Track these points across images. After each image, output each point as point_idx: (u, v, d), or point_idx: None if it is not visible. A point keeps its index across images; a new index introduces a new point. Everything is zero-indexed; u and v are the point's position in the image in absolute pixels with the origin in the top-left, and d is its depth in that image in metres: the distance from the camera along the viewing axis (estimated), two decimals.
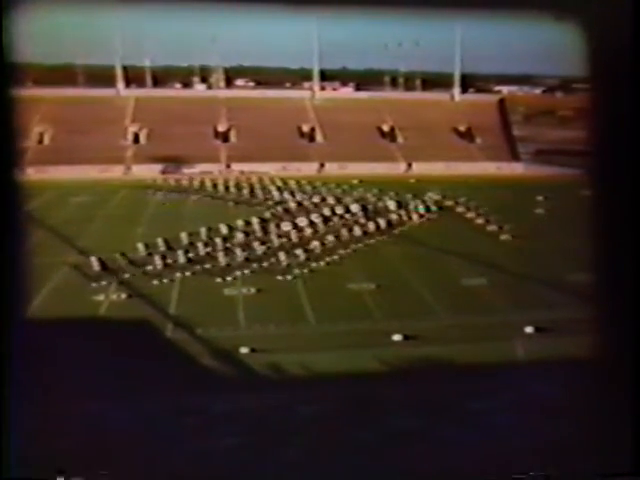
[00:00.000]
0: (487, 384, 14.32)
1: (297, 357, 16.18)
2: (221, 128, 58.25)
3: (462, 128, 60.40)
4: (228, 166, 52.48)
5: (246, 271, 23.57)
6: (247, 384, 15.19)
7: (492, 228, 31.38)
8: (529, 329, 17.97)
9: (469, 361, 16.01)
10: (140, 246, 25.31)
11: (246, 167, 50.44)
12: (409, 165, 54.66)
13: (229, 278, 22.80)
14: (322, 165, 53.64)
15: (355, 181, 44.22)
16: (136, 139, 56.19)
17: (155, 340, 17.41)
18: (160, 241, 25.90)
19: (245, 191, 41.06)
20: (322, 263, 24.97)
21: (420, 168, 53.01)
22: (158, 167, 50.87)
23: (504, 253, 27.45)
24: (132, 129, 56.59)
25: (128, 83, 63.99)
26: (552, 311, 19.58)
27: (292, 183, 43.13)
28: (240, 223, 29.83)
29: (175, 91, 73.85)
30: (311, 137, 59.02)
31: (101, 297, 20.81)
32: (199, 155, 51.81)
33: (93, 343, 15.33)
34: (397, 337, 17.59)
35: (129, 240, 27.23)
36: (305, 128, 59.41)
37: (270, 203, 36.98)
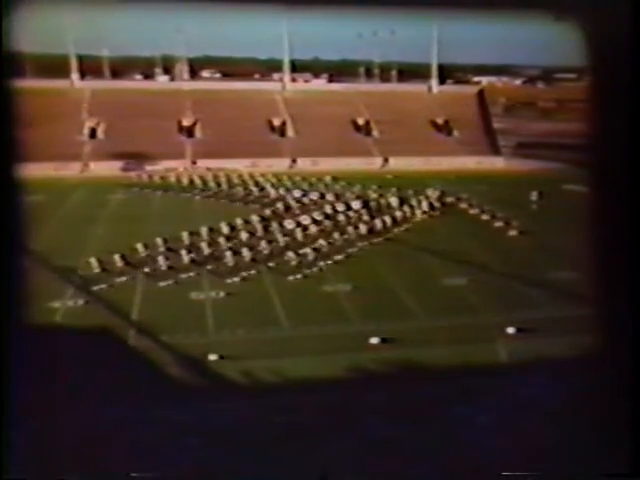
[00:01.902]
0: (470, 387, 14.52)
1: (269, 363, 16.17)
2: (186, 122, 57.73)
3: (440, 121, 61.08)
4: (194, 162, 52.04)
5: (252, 271, 23.73)
6: (216, 393, 15.11)
7: (499, 224, 31.88)
8: (511, 330, 18.30)
9: (450, 364, 16.20)
10: (140, 246, 25.58)
11: (213, 163, 50.08)
12: (385, 160, 55.05)
13: (236, 279, 22.93)
14: (294, 161, 53.63)
15: (328, 177, 44.36)
16: (93, 134, 55.31)
17: (116, 348, 17.19)
18: (160, 241, 26.27)
19: (240, 188, 41.35)
20: (330, 262, 25.30)
21: (397, 163, 53.43)
22: (118, 164, 50.18)
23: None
24: (89, 124, 55.65)
25: (83, 74, 62.91)
26: (534, 311, 20.02)
27: (285, 179, 43.58)
28: (239, 222, 30.15)
29: (135, 83, 72.83)
30: (282, 131, 58.93)
31: (57, 304, 20.44)
32: (162, 151, 51.21)
33: (49, 352, 15.03)
34: (375, 340, 17.71)
35: (99, 242, 26.83)
36: (275, 122, 59.30)
37: (266, 200, 37.25)
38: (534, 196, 38.20)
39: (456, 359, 16.45)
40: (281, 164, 52.19)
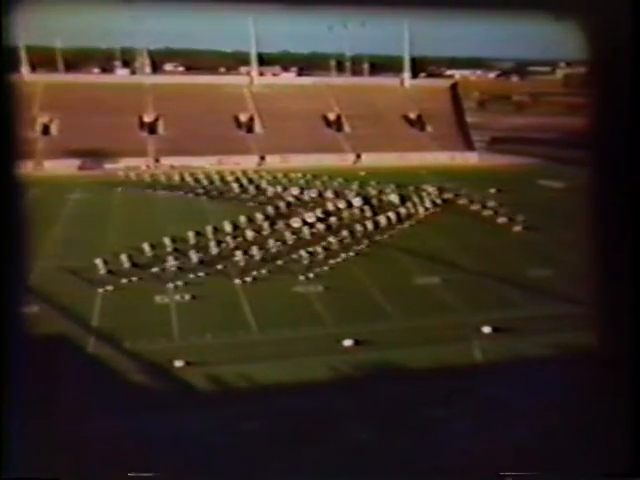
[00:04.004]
0: (446, 389, 14.70)
1: (238, 369, 16.11)
2: (147, 118, 57.07)
3: (412, 115, 61.68)
4: (157, 160, 51.51)
5: (263, 271, 23.87)
6: (183, 401, 14.99)
7: (502, 220, 32.30)
8: (487, 329, 18.58)
9: (426, 365, 16.38)
10: (146, 246, 25.62)
11: (177, 161, 49.64)
12: (358, 156, 55.35)
13: (247, 279, 23.07)
14: (262, 158, 53.51)
15: (299, 174, 44.45)
16: (46, 131, 54.26)
17: (74, 357, 16.89)
18: (167, 240, 26.33)
19: (234, 185, 41.17)
20: (338, 261, 25.55)
21: (370, 159, 53.77)
22: (75, 162, 49.36)
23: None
24: (41, 119, 54.54)
25: (34, 66, 61.51)
26: (510, 310, 20.42)
27: (280, 176, 43.55)
28: (243, 220, 30.28)
29: (93, 76, 71.77)
30: (249, 127, 58.73)
31: None
32: (123, 148, 50.54)
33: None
34: (348, 342, 17.80)
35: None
36: (243, 117, 59.08)
37: (262, 199, 37.25)
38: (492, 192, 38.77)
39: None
40: (249, 161, 52.02)
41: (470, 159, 55.68)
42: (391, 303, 21.24)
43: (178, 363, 16.31)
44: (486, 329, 18.57)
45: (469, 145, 58.73)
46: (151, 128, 56.63)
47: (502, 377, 15.50)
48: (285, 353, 17.23)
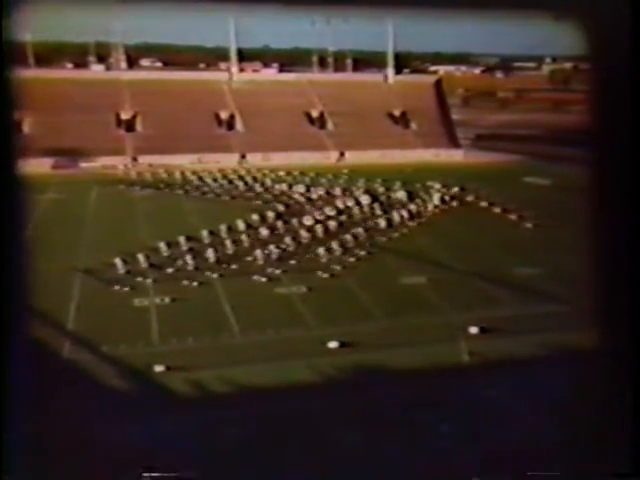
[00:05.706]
0: (434, 390, 14.77)
1: (220, 373, 16.03)
2: (125, 115, 56.69)
3: (397, 112, 61.94)
4: (134, 159, 51.18)
5: (277, 271, 24.17)
6: (163, 407, 14.88)
7: (512, 217, 32.75)
8: (474, 329, 18.69)
9: (413, 367, 16.44)
10: (162, 245, 26.19)
11: (155, 159, 49.40)
12: (341, 154, 55.46)
13: (264, 279, 23.47)
14: (243, 156, 53.41)
15: (282, 173, 44.48)
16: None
17: (49, 363, 16.67)
18: (182, 240, 26.78)
19: (240, 183, 41.58)
20: (352, 259, 25.84)
21: (353, 157, 53.92)
22: (48, 161, 48.82)
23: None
24: None
25: None
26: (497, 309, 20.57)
27: (282, 174, 44.08)
28: (255, 218, 30.75)
29: (66, 72, 70.91)
30: (230, 125, 58.60)
31: None
32: (99, 147, 50.14)
33: None
34: (333, 344, 17.81)
35: None
36: (223, 115, 58.93)
37: (268, 197, 37.58)
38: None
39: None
40: (229, 159, 51.89)
41: (455, 156, 56.10)
42: (377, 303, 21.29)
43: (158, 368, 16.20)
44: (473, 329, 18.69)
45: (454, 142, 59.16)
46: (129, 125, 56.23)
47: (493, 378, 15.62)
48: (268, 356, 17.19)
